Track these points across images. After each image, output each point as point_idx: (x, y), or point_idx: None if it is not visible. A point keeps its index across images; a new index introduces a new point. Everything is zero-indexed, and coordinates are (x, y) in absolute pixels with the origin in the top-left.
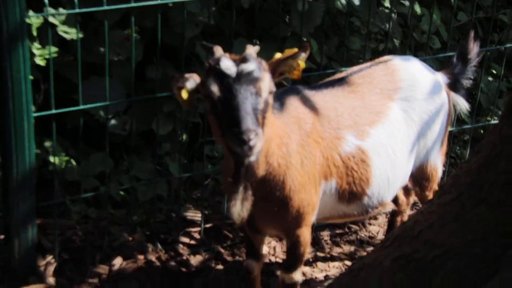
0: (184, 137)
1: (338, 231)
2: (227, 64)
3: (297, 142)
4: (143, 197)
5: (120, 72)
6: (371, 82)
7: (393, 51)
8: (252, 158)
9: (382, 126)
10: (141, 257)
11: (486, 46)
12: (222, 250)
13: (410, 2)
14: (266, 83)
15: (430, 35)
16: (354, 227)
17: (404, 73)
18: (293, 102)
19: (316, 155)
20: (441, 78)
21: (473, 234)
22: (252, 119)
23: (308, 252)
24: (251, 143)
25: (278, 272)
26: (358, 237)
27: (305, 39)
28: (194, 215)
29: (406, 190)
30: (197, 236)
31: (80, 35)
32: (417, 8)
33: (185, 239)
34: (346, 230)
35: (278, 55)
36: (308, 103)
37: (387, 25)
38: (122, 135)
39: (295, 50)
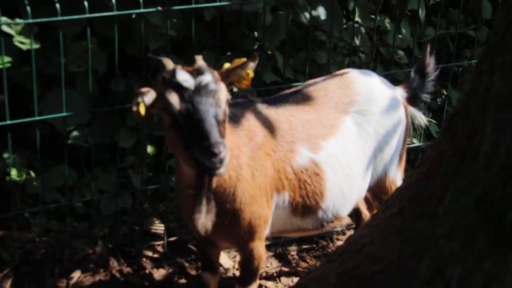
0: (149, 149)
1: (305, 246)
2: (184, 77)
3: (248, 155)
4: (107, 210)
5: (83, 84)
6: (326, 95)
7: (360, 66)
8: (222, 170)
9: (336, 140)
10: (102, 270)
11: (453, 61)
12: (186, 264)
13: (375, 17)
14: (223, 93)
15: (394, 49)
16: (322, 242)
17: (360, 86)
18: (245, 114)
19: (267, 168)
20: (399, 92)
21: (412, 248)
22: (218, 131)
23: (262, 266)
24: (221, 155)
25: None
26: (325, 252)
27: (269, 52)
28: (158, 228)
29: (369, 204)
30: (160, 249)
31: (37, 46)
32: (387, 23)
33: (149, 253)
34: (314, 245)
35: (227, 65)
36: (260, 115)
37: (355, 39)
38: (85, 148)
39: (244, 59)
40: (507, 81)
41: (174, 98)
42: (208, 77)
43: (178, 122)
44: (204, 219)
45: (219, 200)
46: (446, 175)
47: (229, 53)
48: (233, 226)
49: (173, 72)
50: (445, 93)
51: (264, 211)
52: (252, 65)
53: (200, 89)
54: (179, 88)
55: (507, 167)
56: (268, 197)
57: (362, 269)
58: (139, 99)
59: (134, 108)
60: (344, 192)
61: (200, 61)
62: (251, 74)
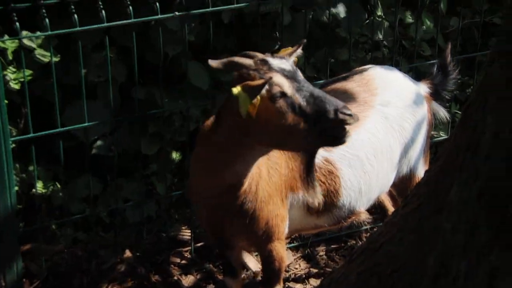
0: (174, 155)
1: (333, 246)
2: (279, 60)
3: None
4: (132, 218)
5: (104, 93)
6: (345, 92)
7: (383, 60)
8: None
9: (357, 136)
10: (130, 279)
11: (478, 51)
12: (214, 269)
13: (396, 10)
14: None
15: (417, 42)
16: (351, 241)
17: (381, 81)
18: None
19: (281, 166)
20: (422, 88)
21: (429, 245)
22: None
23: (284, 267)
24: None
25: None
26: None
27: None
28: (185, 234)
29: (395, 201)
30: (188, 256)
31: (57, 59)
32: (408, 16)
33: (176, 259)
34: (342, 244)
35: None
36: None
37: (378, 34)
38: (109, 157)
39: (290, 49)
40: (505, 70)
41: (285, 83)
42: (290, 61)
43: (293, 103)
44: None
45: (241, 199)
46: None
47: None
48: (252, 226)
49: (265, 60)
50: (472, 83)
51: (280, 210)
52: (299, 51)
53: (294, 69)
54: (284, 72)
55: (508, 159)
56: (282, 196)
57: (381, 268)
58: (256, 95)
59: (253, 101)
60: (362, 189)
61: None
62: (297, 61)
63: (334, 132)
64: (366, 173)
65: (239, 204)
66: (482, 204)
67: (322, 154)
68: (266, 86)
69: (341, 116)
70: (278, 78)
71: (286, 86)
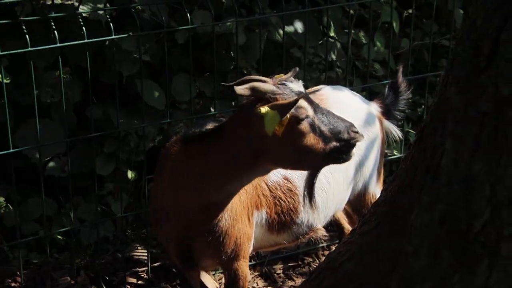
0: (130, 175)
1: (291, 264)
2: (299, 84)
3: None
4: (87, 239)
5: (59, 113)
6: None
7: (337, 80)
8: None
9: None
10: None
11: (429, 71)
12: None
13: (349, 31)
14: None
15: (369, 62)
16: (307, 259)
17: (333, 101)
18: None
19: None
20: (374, 107)
21: (387, 264)
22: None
23: (246, 286)
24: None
25: None
26: (311, 269)
27: (245, 72)
28: (141, 254)
29: (350, 219)
30: (144, 276)
31: (7, 80)
32: (361, 37)
33: (133, 280)
34: (299, 262)
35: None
36: None
37: (331, 54)
38: (63, 177)
39: (283, 75)
40: (463, 95)
41: (306, 106)
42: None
43: (314, 126)
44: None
45: (214, 216)
46: (416, 190)
47: (207, 74)
48: (222, 244)
49: (285, 84)
50: (424, 103)
51: (247, 229)
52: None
53: (306, 92)
54: (303, 95)
55: (468, 183)
56: (249, 214)
57: (340, 287)
58: (286, 113)
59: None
60: (320, 206)
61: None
62: None
63: (344, 149)
64: (323, 190)
65: (215, 222)
66: (444, 228)
67: (281, 172)
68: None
69: (352, 134)
70: (301, 101)
71: (308, 108)
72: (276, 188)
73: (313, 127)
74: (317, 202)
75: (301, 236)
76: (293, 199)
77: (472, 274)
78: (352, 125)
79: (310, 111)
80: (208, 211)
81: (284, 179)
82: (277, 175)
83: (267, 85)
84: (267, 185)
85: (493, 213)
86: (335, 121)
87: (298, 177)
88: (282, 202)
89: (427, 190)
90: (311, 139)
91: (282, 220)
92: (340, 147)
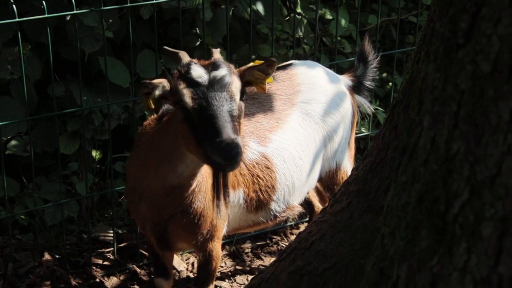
0: (94, 154)
1: (259, 243)
2: (199, 72)
3: None
4: (52, 220)
5: (19, 91)
6: (270, 88)
7: (305, 57)
8: (235, 166)
9: (283, 131)
10: (49, 283)
11: (397, 48)
12: (138, 270)
13: (317, 7)
14: (237, 88)
15: (337, 39)
16: (276, 237)
17: (303, 77)
18: None
19: None
20: (344, 81)
21: (359, 243)
22: (232, 127)
23: (218, 267)
24: (234, 151)
25: None
26: (279, 247)
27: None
28: (107, 235)
29: (321, 196)
30: (110, 256)
31: None
32: (328, 13)
33: (98, 261)
34: (268, 241)
35: (257, 62)
36: None
37: (298, 31)
38: (26, 157)
39: (261, 62)
40: (441, 72)
41: (187, 94)
42: (223, 71)
43: (191, 117)
44: (224, 213)
45: (192, 197)
46: (391, 168)
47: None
48: (197, 226)
49: (187, 67)
50: (391, 80)
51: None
52: (269, 71)
53: (214, 84)
54: (193, 84)
55: (447, 163)
56: None
57: (312, 267)
58: (148, 90)
59: (142, 98)
60: (295, 182)
61: (216, 54)
62: (269, 80)
63: (216, 157)
64: (298, 167)
65: (187, 203)
66: (422, 209)
67: (258, 149)
68: (165, 89)
69: (224, 146)
70: (184, 89)
71: (189, 98)
72: (253, 166)
73: (190, 119)
74: (292, 179)
75: (278, 214)
76: (271, 176)
77: (451, 256)
78: (226, 140)
79: (188, 103)
80: (173, 194)
81: (262, 156)
82: (254, 152)
83: (185, 56)
84: (244, 163)
85: (471, 194)
86: (212, 124)
87: (275, 154)
88: (260, 180)
89: (404, 169)
90: (183, 129)
91: (260, 198)
92: (210, 155)
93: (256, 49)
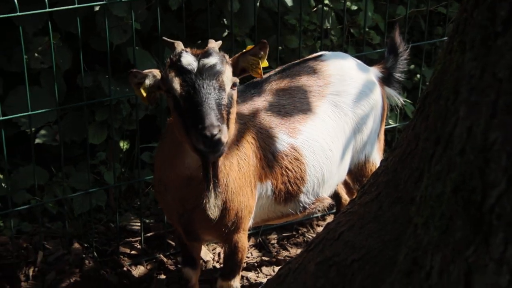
0: (122, 144)
1: (285, 234)
2: (188, 59)
3: (233, 143)
4: (80, 209)
5: (49, 81)
6: (300, 80)
7: (332, 48)
8: (217, 154)
9: (313, 123)
10: (78, 271)
11: (426, 39)
12: (165, 259)
13: None
14: (229, 77)
15: (365, 30)
16: (302, 229)
17: (333, 68)
18: None
19: (250, 156)
20: (374, 73)
21: (389, 234)
22: (216, 115)
23: (244, 258)
24: (215, 138)
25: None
26: (305, 239)
27: (239, 39)
28: (134, 224)
29: (349, 189)
30: (138, 246)
31: None
32: (355, 4)
33: (126, 250)
34: (294, 232)
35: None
36: (238, 104)
37: (325, 22)
38: (55, 146)
39: (251, 47)
40: (479, 61)
41: (176, 81)
42: (213, 60)
43: (179, 105)
44: (214, 205)
45: (199, 189)
46: (422, 159)
47: (199, 42)
48: (222, 218)
49: (178, 55)
50: (420, 72)
51: (249, 201)
52: (261, 54)
53: (203, 72)
54: (182, 71)
55: (484, 153)
56: (252, 187)
57: (341, 257)
58: (138, 80)
59: (134, 88)
60: (325, 174)
61: (211, 44)
62: (264, 64)
63: (197, 143)
64: (328, 158)
65: None
66: (458, 199)
67: (287, 141)
68: (156, 79)
69: (204, 132)
70: (173, 76)
71: (177, 86)
72: (282, 158)
73: (179, 107)
74: (322, 171)
75: (307, 206)
76: (300, 168)
77: (488, 246)
78: (207, 127)
79: (176, 90)
80: (190, 185)
81: (291, 148)
82: (283, 144)
83: (179, 45)
84: (273, 155)
85: (509, 184)
86: (196, 111)
87: (305, 145)
88: (289, 172)
89: (438, 159)
90: (174, 117)
91: (289, 190)
92: (196, 140)
93: (284, 40)
